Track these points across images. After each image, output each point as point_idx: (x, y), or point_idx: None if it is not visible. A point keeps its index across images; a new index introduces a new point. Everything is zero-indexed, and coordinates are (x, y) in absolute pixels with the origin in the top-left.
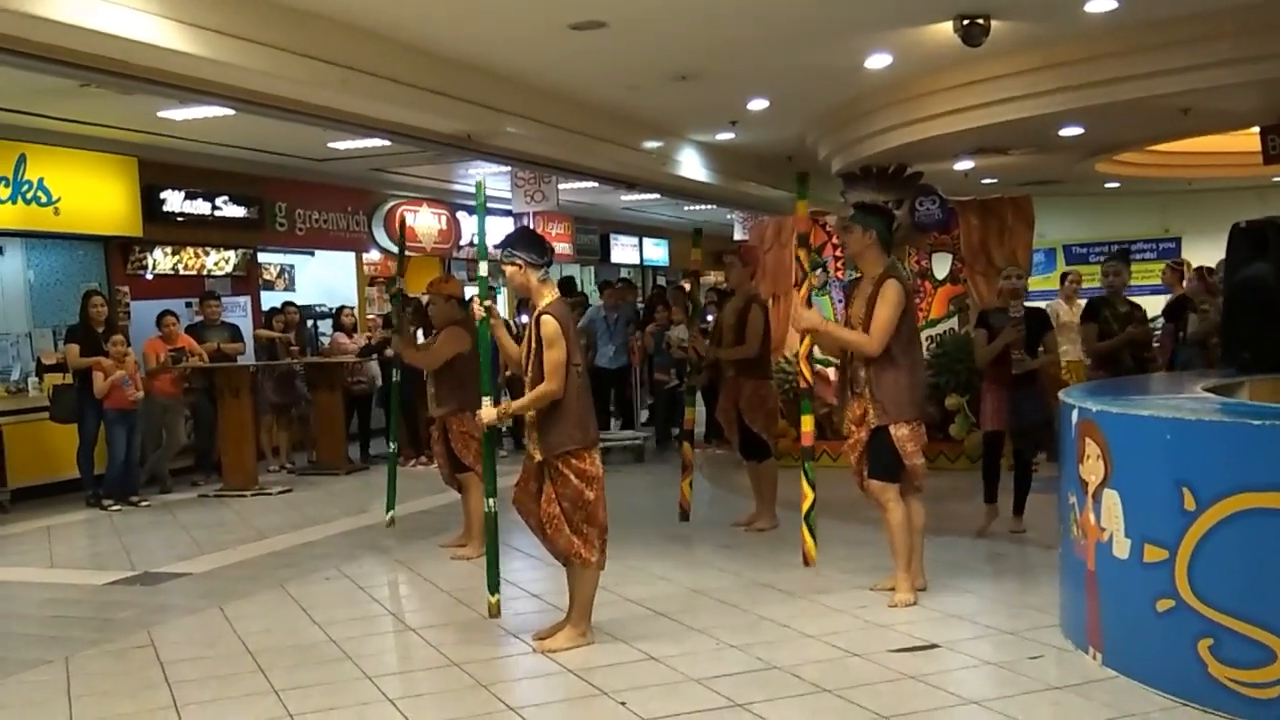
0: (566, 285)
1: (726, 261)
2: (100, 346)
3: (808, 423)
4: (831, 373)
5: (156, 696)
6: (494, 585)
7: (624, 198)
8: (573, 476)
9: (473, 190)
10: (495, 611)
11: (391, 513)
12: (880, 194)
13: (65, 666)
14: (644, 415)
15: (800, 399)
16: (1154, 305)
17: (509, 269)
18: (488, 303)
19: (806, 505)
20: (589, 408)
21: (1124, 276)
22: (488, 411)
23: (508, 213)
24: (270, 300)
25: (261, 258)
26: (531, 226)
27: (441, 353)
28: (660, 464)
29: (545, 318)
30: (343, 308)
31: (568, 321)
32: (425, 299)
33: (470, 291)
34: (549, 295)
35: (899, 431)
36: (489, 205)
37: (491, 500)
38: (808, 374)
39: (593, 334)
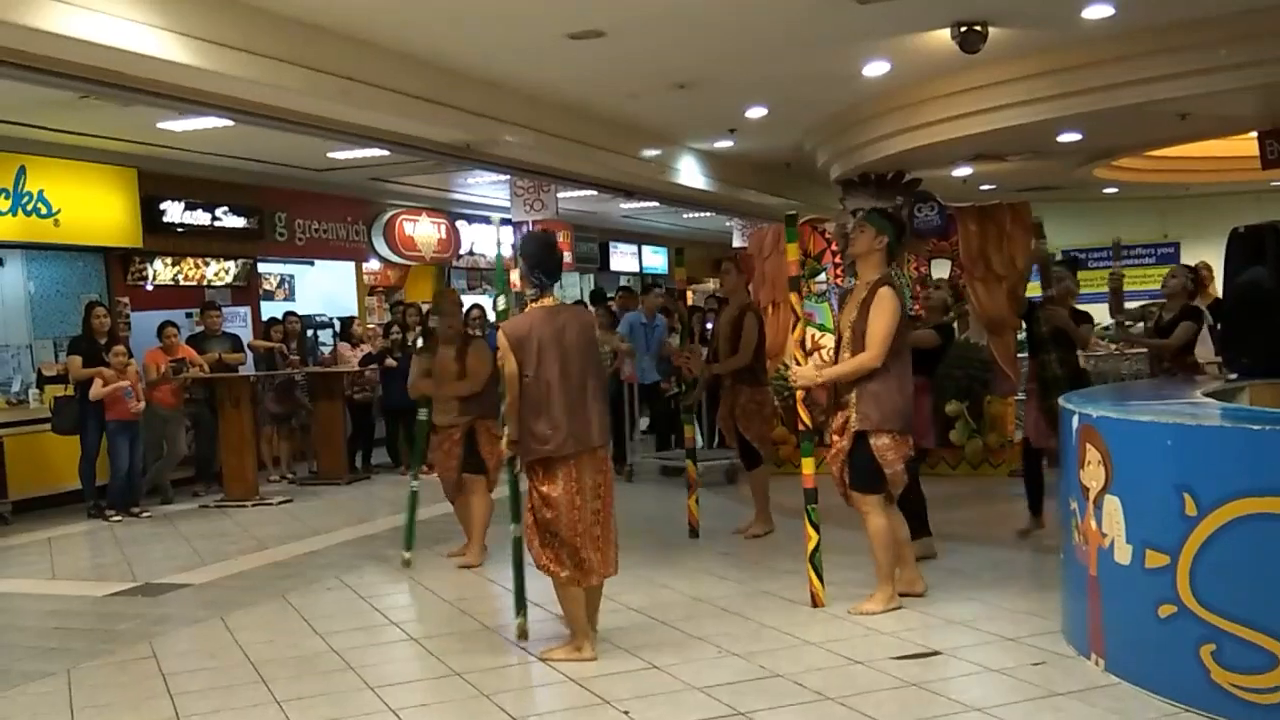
0: (597, 296)
1: (723, 269)
2: (102, 358)
3: (808, 465)
4: None
5: (159, 708)
6: (520, 607)
7: (623, 206)
8: (533, 492)
9: (472, 200)
10: (523, 634)
11: (409, 553)
12: (879, 200)
13: (67, 678)
14: (643, 424)
15: (800, 438)
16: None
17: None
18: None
19: (811, 547)
20: (553, 420)
21: (1066, 284)
22: (501, 445)
23: (506, 221)
24: (270, 310)
25: (261, 268)
26: (548, 241)
27: (481, 374)
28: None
29: (500, 331)
30: (353, 318)
31: (519, 334)
32: (425, 310)
33: (469, 301)
34: (527, 307)
35: (879, 441)
36: (488, 214)
37: (514, 525)
38: (807, 419)
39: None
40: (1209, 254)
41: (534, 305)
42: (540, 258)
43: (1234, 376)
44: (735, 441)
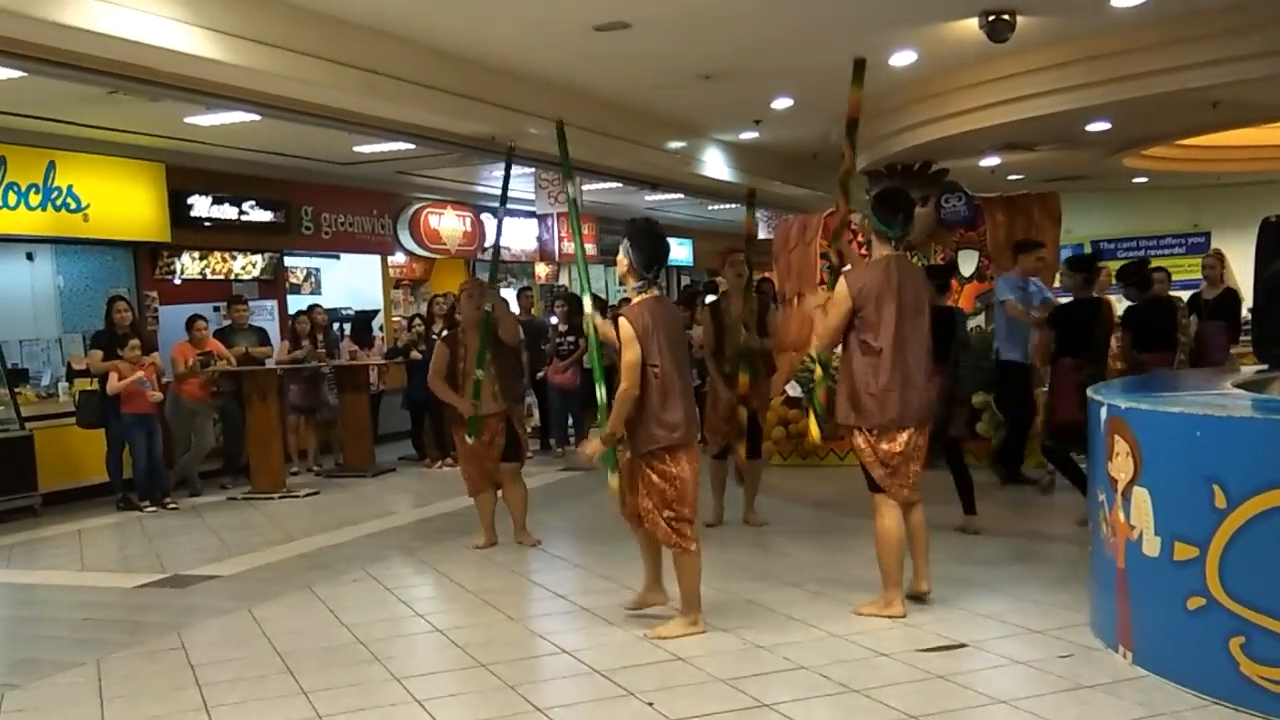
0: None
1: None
2: (118, 352)
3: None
4: None
5: (187, 698)
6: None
7: (647, 198)
8: (655, 476)
9: (497, 192)
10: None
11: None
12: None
13: (97, 668)
14: None
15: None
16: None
17: (620, 256)
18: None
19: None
20: (678, 408)
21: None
22: (592, 445)
23: (531, 214)
24: (297, 304)
25: (288, 261)
26: (660, 231)
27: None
28: None
29: (621, 320)
30: (373, 312)
31: (643, 324)
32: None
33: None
34: (635, 298)
35: (852, 439)
36: (512, 206)
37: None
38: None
39: None
40: (1240, 244)
41: (643, 297)
42: (655, 250)
43: (1264, 367)
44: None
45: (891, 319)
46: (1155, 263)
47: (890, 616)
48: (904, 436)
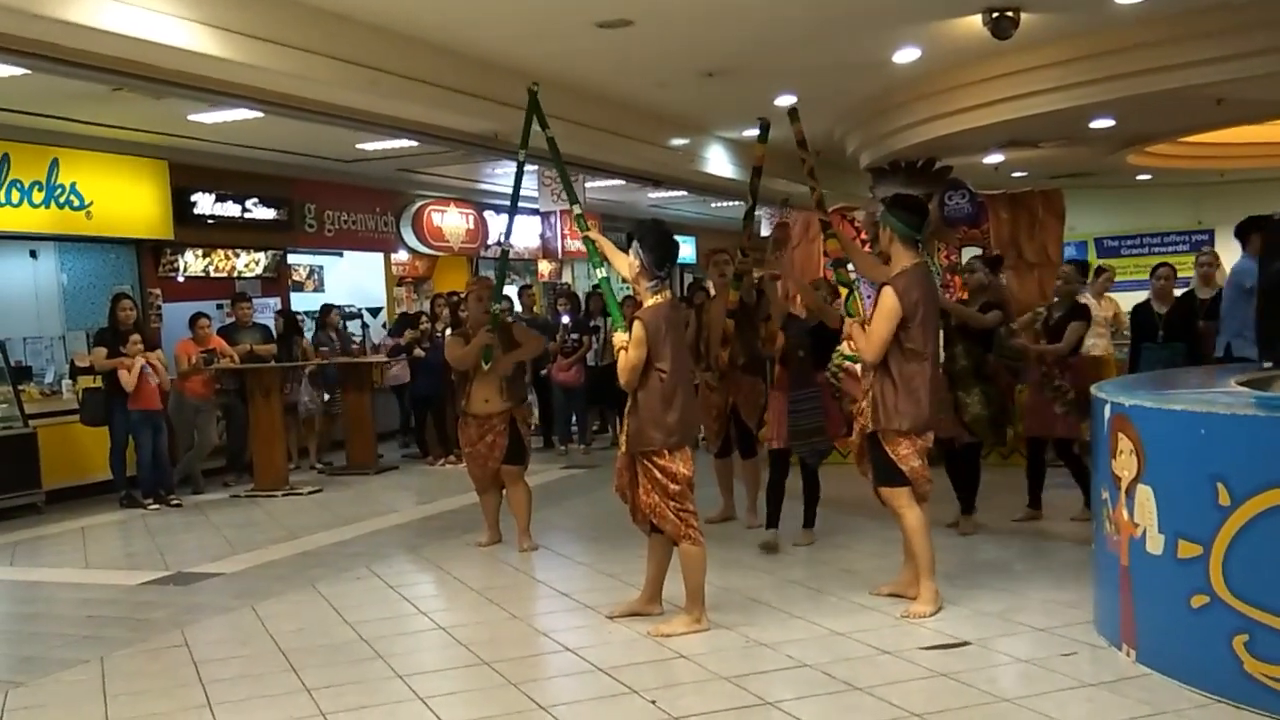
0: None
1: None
2: (120, 350)
3: None
4: (858, 368)
5: (191, 695)
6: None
7: (651, 195)
8: (656, 471)
9: (501, 190)
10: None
11: None
12: (909, 188)
13: (101, 666)
14: None
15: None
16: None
17: (630, 258)
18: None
19: None
20: (677, 412)
21: (978, 275)
22: (620, 337)
23: (535, 211)
24: (299, 302)
25: (291, 259)
26: (669, 231)
27: (534, 341)
28: None
29: (636, 322)
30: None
31: (657, 328)
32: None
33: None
34: (649, 300)
35: (887, 440)
36: (519, 205)
37: None
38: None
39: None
40: None
41: (658, 300)
42: (665, 249)
43: (1268, 365)
44: (724, 431)
45: (931, 325)
46: (1163, 260)
47: (937, 611)
48: (930, 433)
